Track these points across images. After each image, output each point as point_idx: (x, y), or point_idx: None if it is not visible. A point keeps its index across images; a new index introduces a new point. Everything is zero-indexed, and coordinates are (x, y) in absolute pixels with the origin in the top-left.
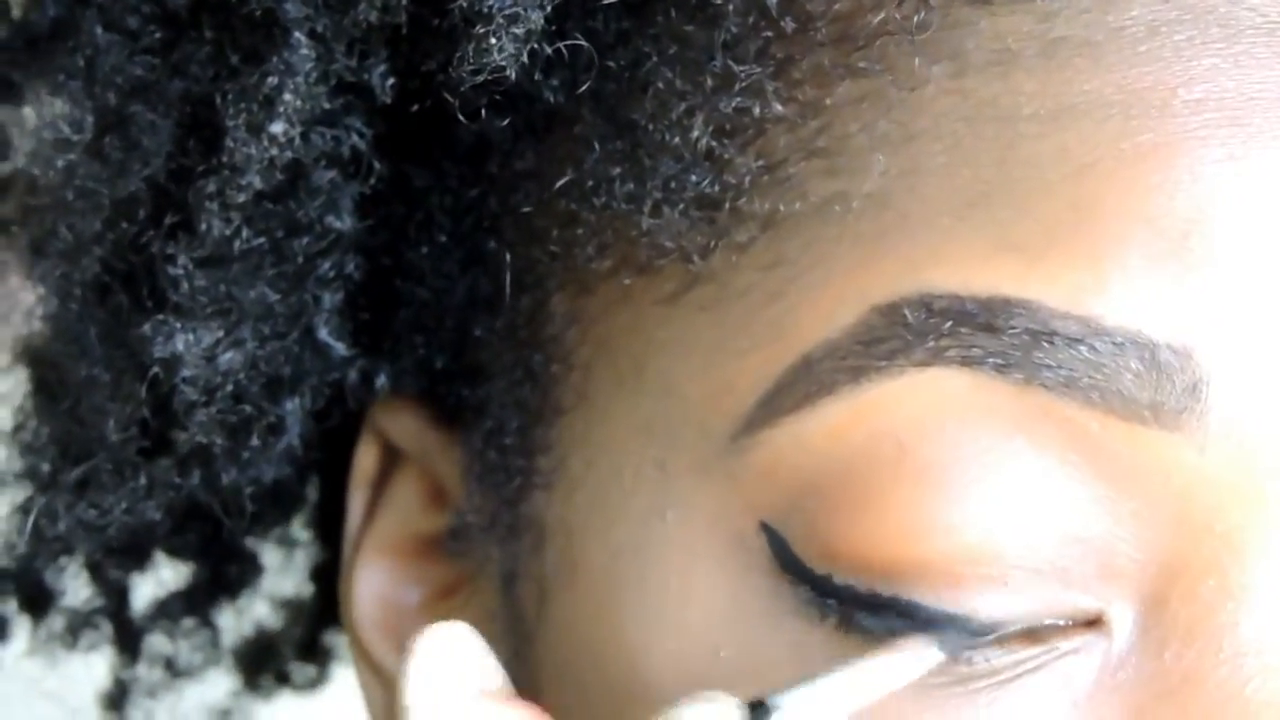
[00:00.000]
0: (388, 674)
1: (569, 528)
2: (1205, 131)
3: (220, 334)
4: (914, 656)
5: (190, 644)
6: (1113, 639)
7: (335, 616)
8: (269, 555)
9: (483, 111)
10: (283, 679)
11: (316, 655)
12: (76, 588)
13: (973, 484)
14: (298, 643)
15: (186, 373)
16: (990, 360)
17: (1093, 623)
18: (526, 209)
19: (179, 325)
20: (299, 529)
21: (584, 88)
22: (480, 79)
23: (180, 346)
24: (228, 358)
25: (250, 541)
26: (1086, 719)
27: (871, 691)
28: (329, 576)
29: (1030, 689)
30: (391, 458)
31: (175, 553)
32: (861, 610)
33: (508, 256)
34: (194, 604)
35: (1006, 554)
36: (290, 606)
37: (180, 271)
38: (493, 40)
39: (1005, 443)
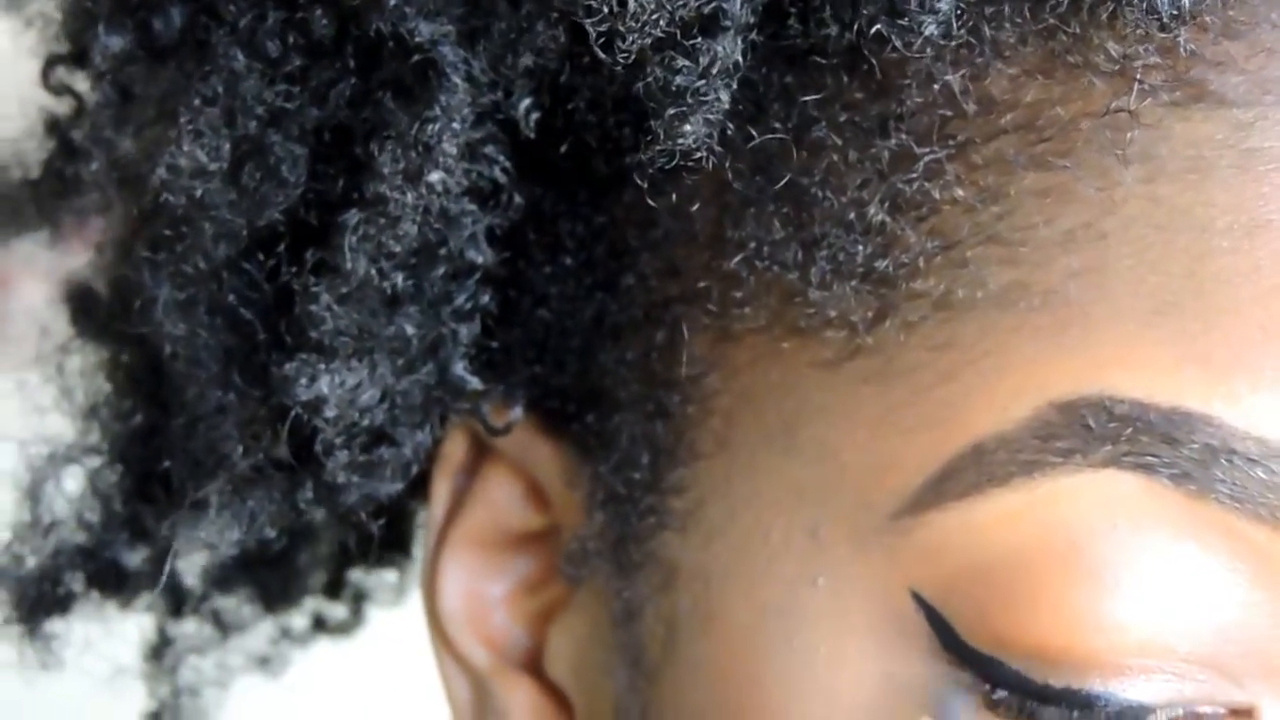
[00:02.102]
0: (473, 667)
1: (706, 575)
2: None
3: (364, 374)
4: None
5: (238, 599)
6: None
7: (359, 555)
8: None
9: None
10: (318, 624)
11: (347, 596)
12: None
13: (1143, 584)
14: (324, 584)
15: (329, 413)
16: (1166, 470)
17: (1243, 713)
18: (668, 246)
19: (322, 367)
20: None
21: (740, 139)
22: (672, 163)
23: (325, 389)
24: (368, 396)
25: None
26: None
27: None
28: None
29: None
30: (480, 449)
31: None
32: (1034, 700)
33: (645, 288)
34: (251, 569)
35: (1173, 650)
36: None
37: (323, 310)
38: (686, 127)
39: (1175, 545)
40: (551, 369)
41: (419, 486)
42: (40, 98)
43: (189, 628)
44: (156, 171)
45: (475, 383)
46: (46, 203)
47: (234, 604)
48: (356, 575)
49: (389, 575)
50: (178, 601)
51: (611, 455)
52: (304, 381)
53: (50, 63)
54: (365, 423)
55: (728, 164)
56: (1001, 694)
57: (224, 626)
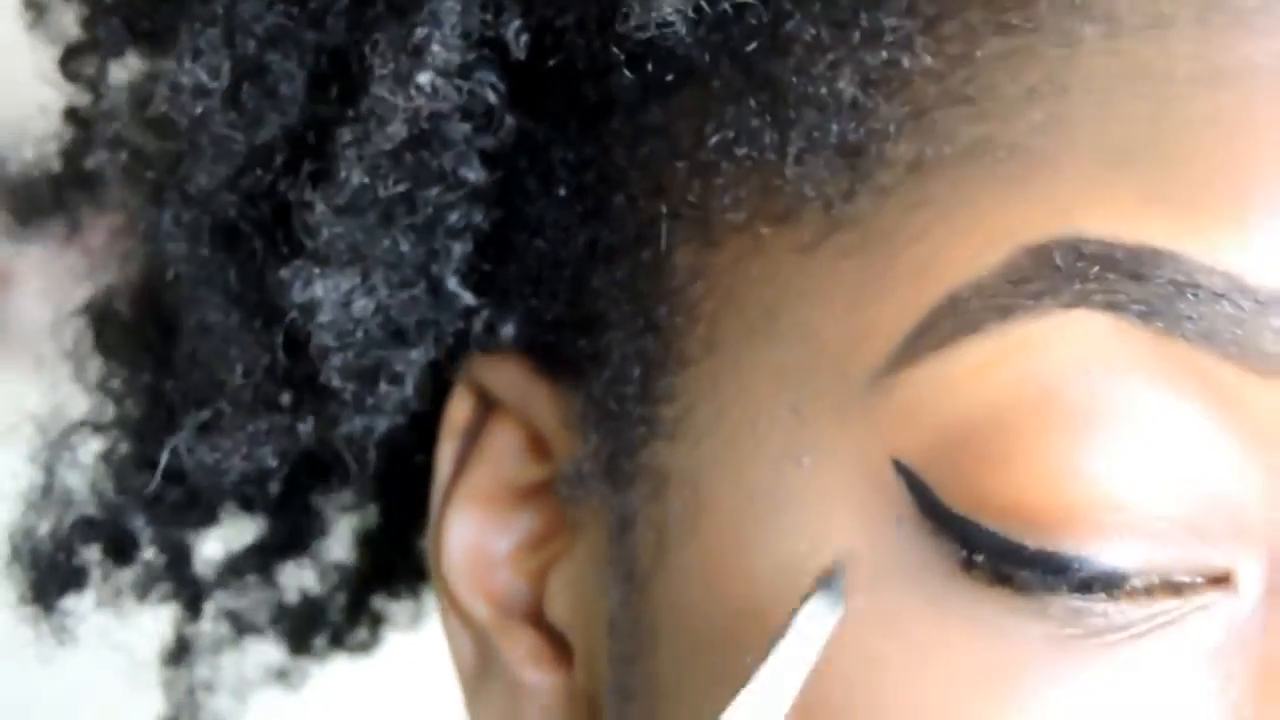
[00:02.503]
0: (476, 622)
1: (695, 476)
2: None
3: (356, 280)
4: (816, 622)
5: (253, 600)
6: (1240, 595)
7: (383, 582)
8: None
9: (611, 68)
10: (335, 642)
11: (366, 619)
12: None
13: (1117, 431)
14: (345, 608)
15: (323, 318)
16: (1134, 307)
17: (1220, 580)
18: (654, 163)
19: (317, 271)
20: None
21: (720, 43)
22: (648, 34)
23: (319, 292)
24: (361, 304)
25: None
26: (1215, 673)
27: (800, 670)
28: (376, 542)
29: (1161, 643)
30: (484, 409)
31: (249, 507)
32: (1009, 563)
33: (633, 209)
34: (264, 560)
35: (1150, 503)
36: (336, 571)
37: (319, 218)
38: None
39: (1147, 390)
40: (547, 299)
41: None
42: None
43: (206, 627)
44: (158, 91)
45: (467, 297)
46: (66, 195)
47: (250, 605)
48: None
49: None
50: (194, 595)
51: (603, 374)
52: (299, 284)
53: (70, 52)
54: (360, 334)
55: (706, 61)
56: (978, 558)
57: (241, 627)
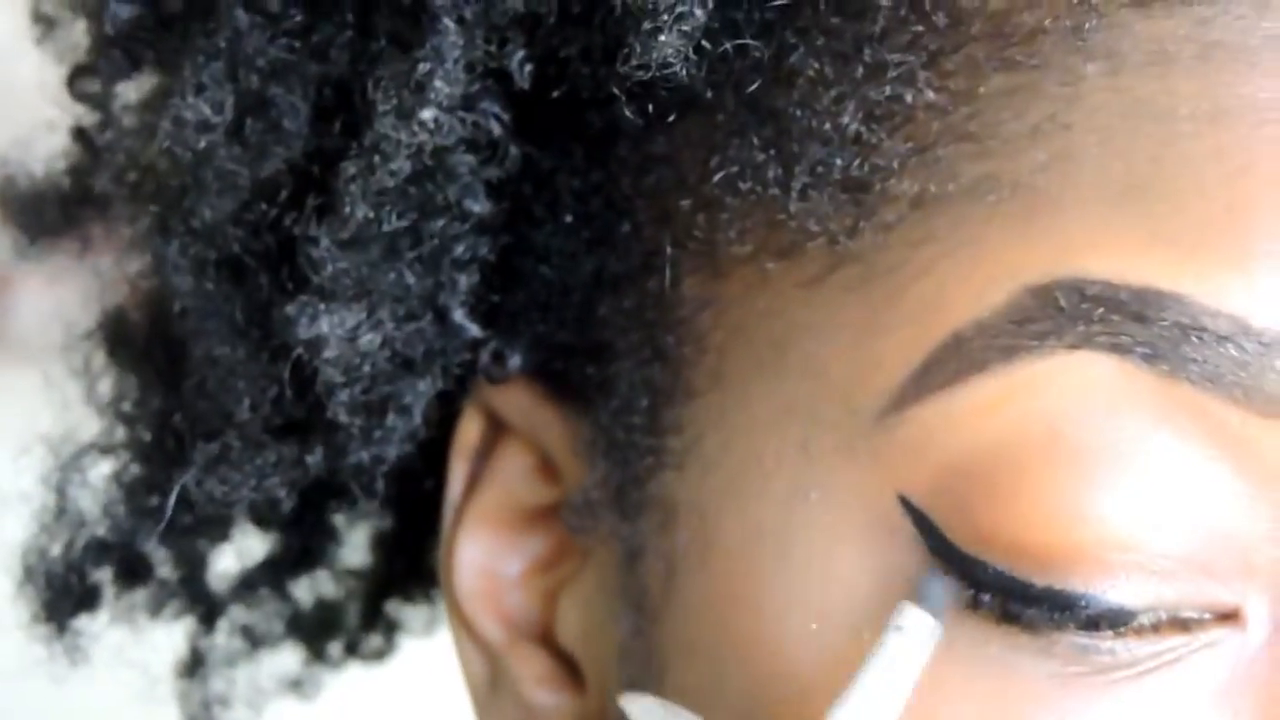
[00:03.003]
0: (487, 643)
1: (703, 509)
2: None
3: (362, 315)
4: (921, 636)
5: (266, 613)
6: (1248, 633)
7: (398, 587)
8: None
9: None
10: (350, 649)
11: (381, 626)
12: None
13: (1123, 471)
14: (361, 614)
15: (329, 354)
16: (1139, 349)
17: (1228, 617)
18: (660, 193)
19: (323, 307)
20: None
21: (723, 76)
22: (648, 75)
23: (325, 328)
24: (368, 339)
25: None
26: (1222, 710)
27: (907, 679)
28: (391, 546)
29: (1168, 681)
30: (494, 430)
31: (262, 523)
32: (1016, 601)
33: (640, 238)
34: (277, 575)
35: (1155, 542)
36: (351, 577)
37: (323, 254)
38: (661, 37)
39: (1152, 432)
40: (554, 326)
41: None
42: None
43: (220, 640)
44: (162, 126)
45: (474, 330)
46: (74, 213)
47: (263, 618)
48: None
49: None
50: (208, 609)
51: (611, 403)
52: (305, 321)
53: (77, 73)
54: (366, 369)
55: (709, 94)
56: (985, 596)
57: (254, 641)
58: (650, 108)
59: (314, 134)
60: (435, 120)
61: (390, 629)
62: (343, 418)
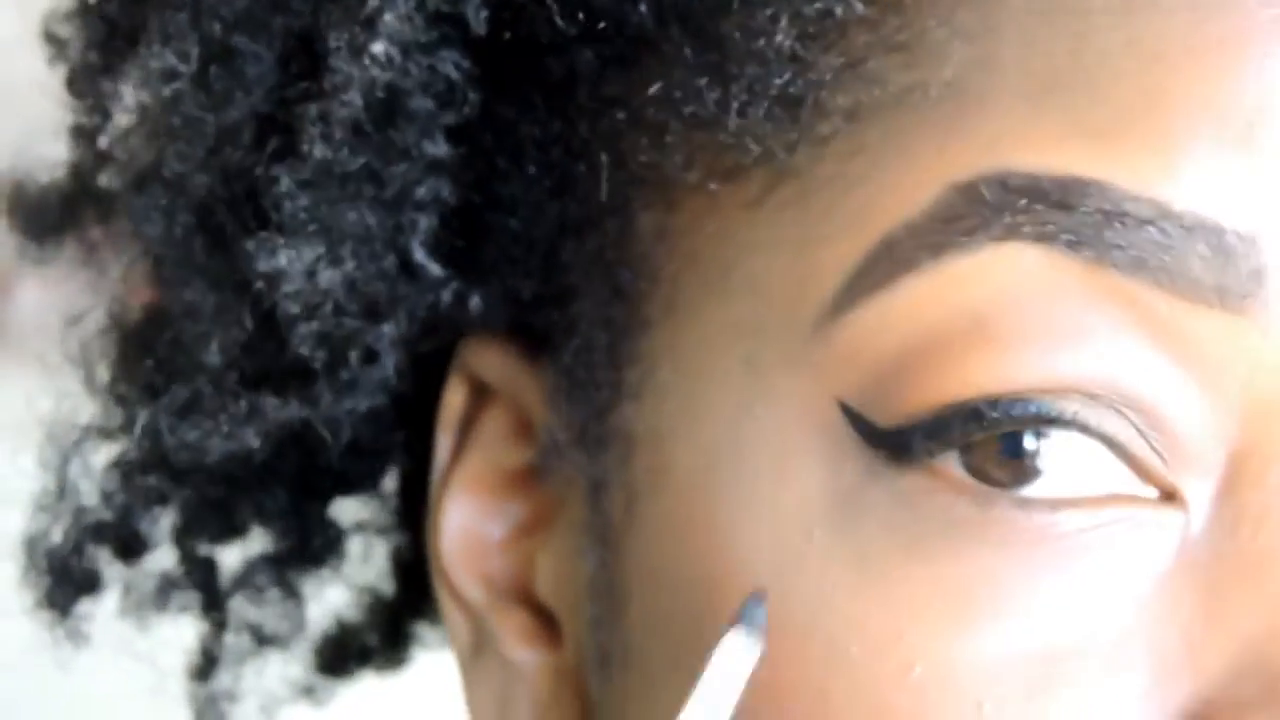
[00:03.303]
0: (471, 605)
1: (658, 434)
2: (1272, 25)
3: (321, 250)
4: (738, 654)
5: (276, 612)
6: (1189, 517)
7: (419, 608)
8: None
9: (572, 41)
10: (364, 660)
11: (399, 641)
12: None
13: (1045, 353)
14: (381, 633)
15: (288, 288)
16: (1063, 237)
17: (1170, 498)
18: (617, 135)
19: (282, 242)
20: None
21: (670, 8)
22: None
23: (283, 262)
24: (327, 275)
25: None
26: (1164, 596)
27: (728, 698)
28: (411, 567)
29: (1110, 558)
30: (479, 397)
31: (261, 514)
32: (931, 441)
33: (599, 181)
34: (278, 568)
35: (1081, 415)
36: (370, 594)
37: (283, 192)
38: None
39: (1080, 318)
40: (524, 278)
41: None
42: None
43: (231, 640)
44: (131, 74)
45: (434, 269)
46: (78, 213)
47: (272, 617)
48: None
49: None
50: (212, 602)
51: (573, 343)
52: (264, 255)
53: (75, 73)
54: (328, 306)
55: (658, 30)
56: (917, 440)
57: (263, 640)
58: (605, 51)
59: (277, 81)
60: (386, 55)
61: (406, 642)
62: (304, 351)
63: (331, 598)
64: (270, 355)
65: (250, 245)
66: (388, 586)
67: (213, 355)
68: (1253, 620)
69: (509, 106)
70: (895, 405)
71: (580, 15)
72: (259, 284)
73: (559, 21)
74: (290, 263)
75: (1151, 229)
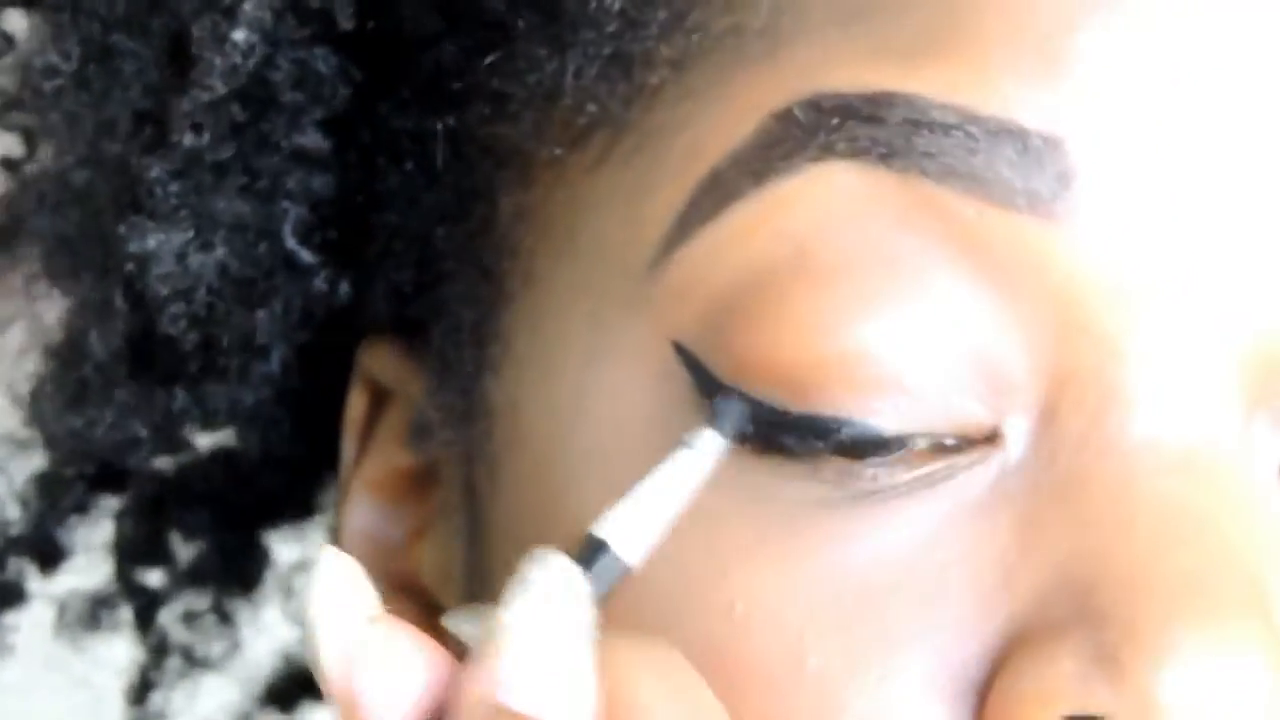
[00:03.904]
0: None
1: (514, 403)
2: None
3: (190, 235)
4: (703, 450)
5: (208, 636)
6: (1007, 451)
7: None
8: (301, 581)
9: (436, 35)
10: (305, 687)
11: None
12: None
13: (865, 281)
14: None
15: (158, 270)
16: (876, 150)
17: (989, 439)
18: (481, 122)
19: (151, 225)
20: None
21: None
22: None
23: (152, 244)
24: (199, 260)
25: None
26: (981, 525)
27: (682, 491)
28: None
29: (929, 500)
30: (379, 401)
31: (185, 532)
32: (776, 430)
33: (468, 170)
34: (209, 592)
35: (899, 354)
36: None
37: (154, 179)
38: None
39: (895, 239)
40: (404, 272)
41: None
42: None
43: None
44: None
45: (307, 257)
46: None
47: (204, 640)
48: None
49: None
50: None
51: (442, 324)
52: (134, 238)
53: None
54: (200, 291)
55: (511, 11)
56: (748, 428)
57: (195, 663)
58: (467, 43)
59: (155, 78)
60: (246, 41)
61: None
62: (174, 332)
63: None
64: (157, 346)
65: (122, 229)
66: None
67: (95, 343)
68: (1065, 543)
69: (383, 101)
70: (728, 350)
71: (442, 8)
72: (130, 266)
73: (421, 16)
74: (160, 245)
75: (958, 133)
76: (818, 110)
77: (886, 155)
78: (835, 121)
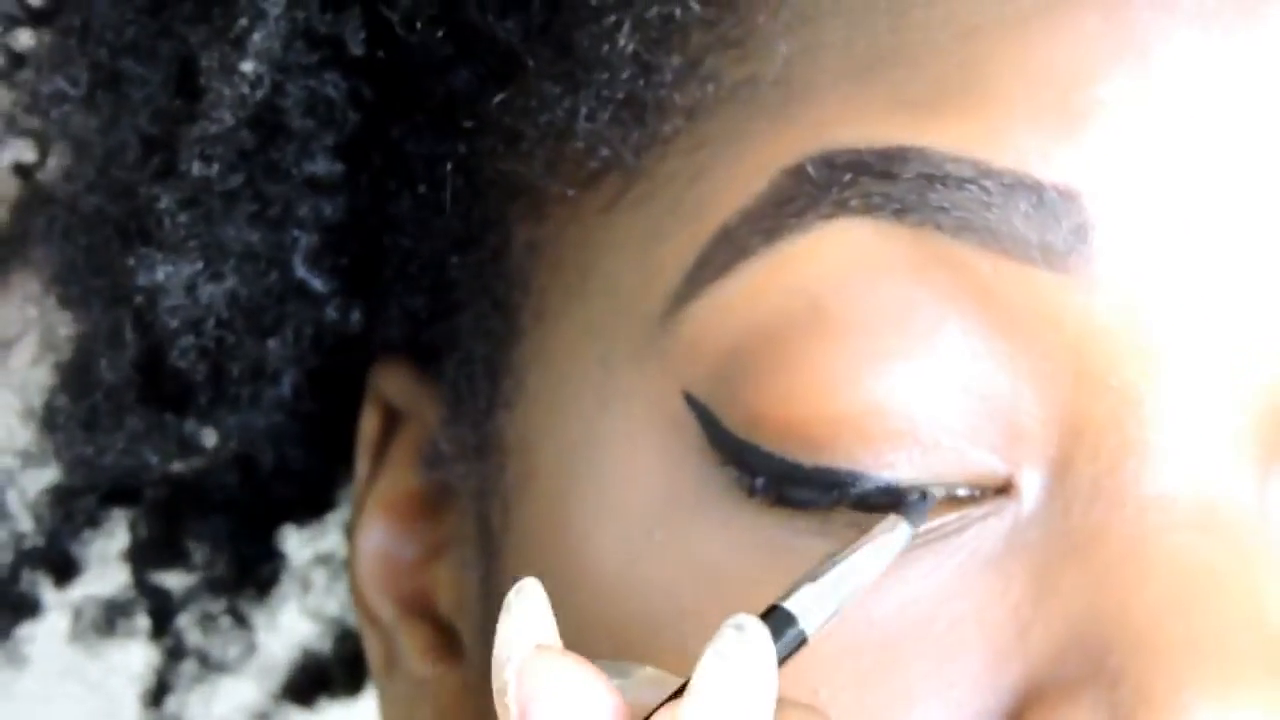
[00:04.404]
0: (383, 624)
1: (526, 440)
2: None
3: (200, 266)
4: (892, 538)
5: (224, 639)
6: (1022, 502)
7: None
8: (317, 575)
9: (449, 61)
10: (320, 684)
11: (362, 669)
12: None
13: (879, 335)
14: (347, 661)
15: (168, 302)
16: (889, 206)
17: (1003, 490)
18: (495, 153)
19: (160, 257)
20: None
21: (533, 23)
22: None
23: (161, 276)
24: (209, 290)
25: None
26: (994, 579)
27: (865, 575)
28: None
29: (941, 553)
30: (391, 422)
31: (201, 538)
32: (789, 483)
33: (481, 199)
34: (225, 596)
35: (913, 408)
36: (336, 625)
37: (164, 209)
38: None
39: (909, 294)
40: (417, 297)
41: None
42: None
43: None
44: (19, 100)
45: (318, 285)
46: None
47: (220, 643)
48: None
49: None
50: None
51: (455, 356)
52: (143, 270)
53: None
54: (210, 321)
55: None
56: (759, 481)
57: (211, 666)
58: (480, 70)
59: (163, 104)
60: (255, 71)
61: (364, 671)
62: (183, 365)
63: (301, 629)
64: (166, 373)
65: (131, 261)
66: (352, 617)
67: (105, 371)
68: (1078, 599)
69: (396, 127)
70: (742, 405)
71: (454, 35)
72: (139, 299)
73: (435, 42)
74: (169, 278)
75: (973, 187)
76: (830, 166)
77: (900, 211)
78: (848, 178)
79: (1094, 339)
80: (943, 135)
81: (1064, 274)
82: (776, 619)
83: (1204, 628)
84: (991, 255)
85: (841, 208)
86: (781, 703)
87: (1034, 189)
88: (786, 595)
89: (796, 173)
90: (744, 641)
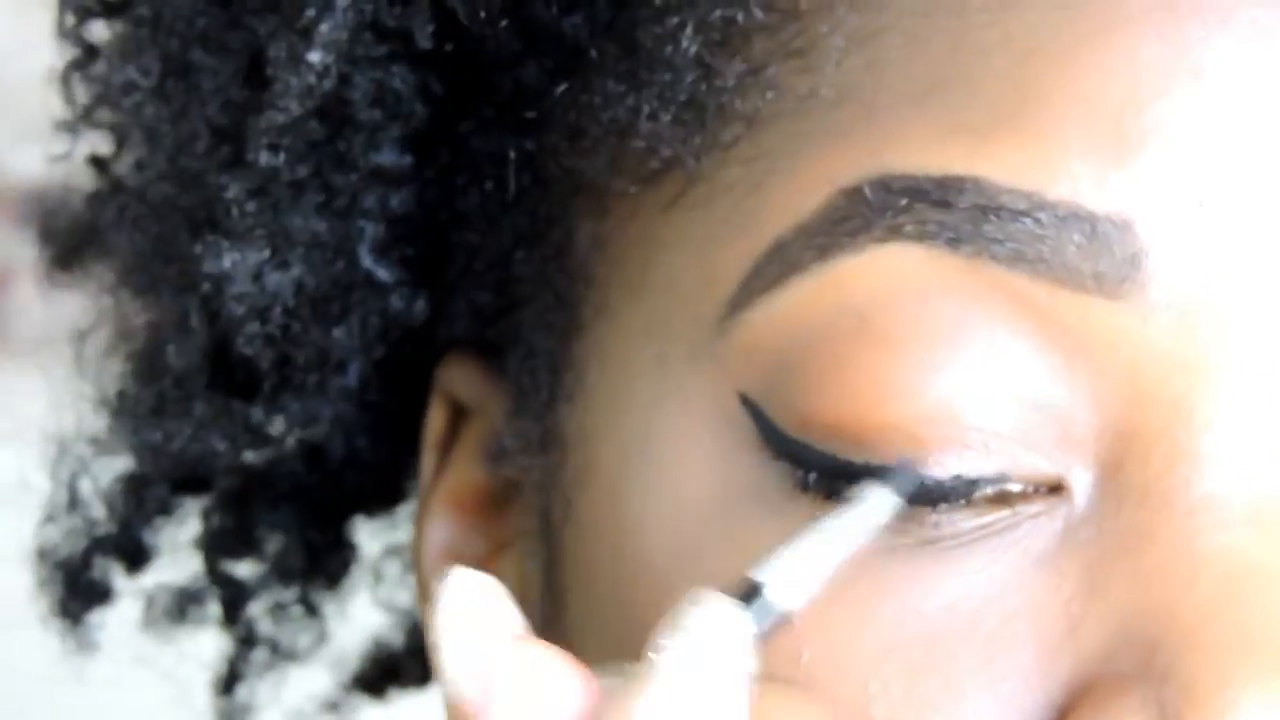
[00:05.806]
0: None
1: (585, 434)
2: (1139, 16)
3: (266, 254)
4: (875, 505)
5: (295, 628)
6: (1073, 503)
7: None
8: (389, 567)
9: (516, 56)
10: (389, 675)
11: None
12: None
13: (930, 352)
14: (418, 653)
15: (235, 290)
16: (943, 235)
17: (1055, 489)
18: (560, 149)
19: (227, 245)
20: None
21: (600, 20)
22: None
23: (228, 264)
24: (275, 279)
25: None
26: (1047, 576)
27: (845, 545)
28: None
29: (994, 550)
30: (458, 417)
31: (272, 527)
32: (839, 479)
33: (547, 193)
34: (296, 586)
35: (965, 416)
36: (408, 617)
37: (231, 198)
38: None
39: (961, 315)
40: (484, 292)
41: None
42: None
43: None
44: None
45: (383, 274)
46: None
47: (290, 632)
48: None
49: None
50: (231, 616)
51: (519, 350)
52: (210, 258)
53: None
54: (276, 309)
55: (593, 38)
56: (812, 477)
57: (281, 655)
58: (547, 64)
59: (233, 94)
60: (322, 62)
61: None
62: (250, 352)
63: (373, 620)
64: (234, 361)
65: (198, 248)
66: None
67: (174, 358)
68: (1129, 596)
69: (462, 122)
70: (794, 409)
71: (520, 30)
72: (206, 286)
73: (502, 36)
74: (235, 265)
75: (1027, 220)
76: (886, 190)
77: (954, 240)
78: (904, 203)
79: (1147, 359)
80: (999, 165)
81: (1117, 301)
82: (741, 590)
83: (1252, 625)
84: (1045, 284)
85: (895, 232)
86: (766, 679)
87: (1087, 220)
88: (759, 564)
89: (853, 193)
90: (700, 610)
